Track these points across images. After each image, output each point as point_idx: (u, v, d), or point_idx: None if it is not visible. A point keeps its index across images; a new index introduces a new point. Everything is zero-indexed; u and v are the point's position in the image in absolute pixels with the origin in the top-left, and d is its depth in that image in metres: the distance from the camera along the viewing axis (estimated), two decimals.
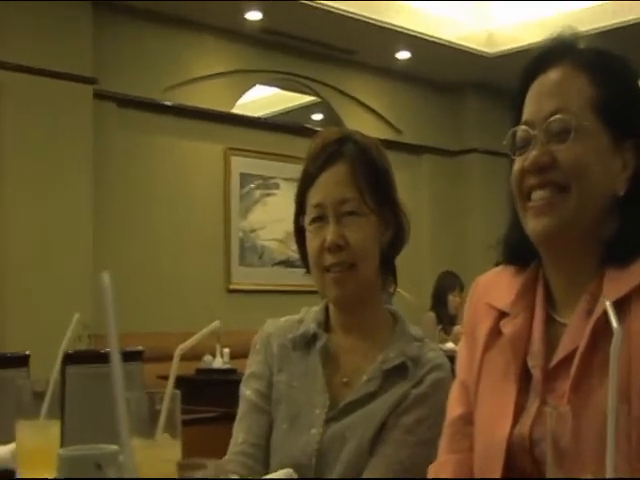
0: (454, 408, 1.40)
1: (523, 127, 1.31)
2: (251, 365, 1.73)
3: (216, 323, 1.15)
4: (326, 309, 1.73)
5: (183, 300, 6.85)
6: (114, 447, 1.06)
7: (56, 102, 6.08)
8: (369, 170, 1.65)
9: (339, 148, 1.66)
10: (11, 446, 1.81)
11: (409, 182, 7.93)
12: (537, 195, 1.28)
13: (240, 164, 7.48)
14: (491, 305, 1.37)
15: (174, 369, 1.10)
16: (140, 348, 4.68)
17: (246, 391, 1.71)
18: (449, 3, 7.61)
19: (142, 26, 6.83)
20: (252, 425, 1.67)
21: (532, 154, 1.28)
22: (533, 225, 1.28)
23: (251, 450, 1.65)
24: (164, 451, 1.09)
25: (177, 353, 1.13)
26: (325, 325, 1.71)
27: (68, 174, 6.13)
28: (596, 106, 1.27)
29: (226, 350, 5.76)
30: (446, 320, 6.82)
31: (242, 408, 1.71)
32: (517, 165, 1.31)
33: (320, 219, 1.65)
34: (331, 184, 1.64)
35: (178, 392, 1.11)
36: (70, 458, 1.04)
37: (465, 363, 1.40)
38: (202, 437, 2.81)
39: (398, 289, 1.73)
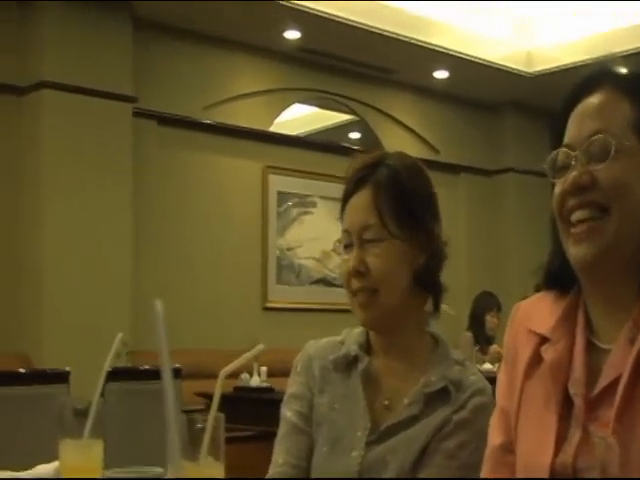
0: (494, 436, 1.39)
1: (564, 150, 1.31)
2: (292, 386, 1.73)
3: (260, 347, 1.15)
4: (367, 331, 1.73)
5: (220, 318, 6.87)
6: (158, 469, 1.07)
7: (97, 120, 6.15)
8: (394, 194, 1.64)
9: (369, 173, 1.66)
10: (55, 464, 1.82)
11: (446, 201, 7.82)
12: (577, 216, 1.26)
13: (278, 182, 7.50)
14: (532, 330, 1.36)
15: (218, 392, 1.10)
16: (178, 366, 4.70)
17: (287, 412, 1.70)
18: (488, 22, 7.60)
19: (182, 45, 6.90)
20: (292, 447, 1.67)
21: (572, 175, 1.27)
22: (575, 252, 1.27)
23: (292, 471, 1.64)
24: (208, 473, 1.10)
25: (221, 376, 1.13)
26: (366, 347, 1.71)
27: (108, 192, 6.18)
28: (637, 127, 1.26)
29: (263, 368, 5.77)
30: (483, 340, 6.79)
31: (282, 429, 1.70)
32: (557, 188, 1.31)
33: (349, 245, 1.67)
34: (356, 210, 1.65)
35: (222, 415, 1.11)
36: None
37: (505, 390, 1.39)
38: (239, 456, 2.81)
39: (443, 305, 1.72)
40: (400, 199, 1.64)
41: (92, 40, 6.16)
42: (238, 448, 3.32)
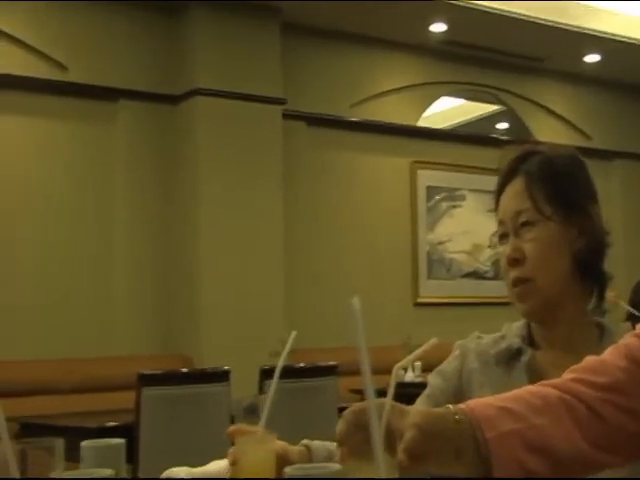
0: None
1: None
2: (445, 363, 1.72)
3: (434, 340, 1.14)
4: (528, 323, 1.71)
5: (371, 313, 6.87)
6: (336, 466, 1.09)
7: (248, 124, 6.28)
8: (546, 178, 1.62)
9: (521, 163, 1.65)
10: (226, 461, 1.88)
11: (600, 189, 7.64)
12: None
13: (426, 177, 7.47)
14: None
15: (392, 384, 1.11)
16: (334, 363, 4.74)
17: (431, 380, 1.70)
18: None
19: (327, 45, 6.97)
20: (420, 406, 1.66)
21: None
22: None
23: None
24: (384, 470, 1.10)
25: (395, 370, 1.13)
26: (528, 340, 1.69)
27: (260, 193, 6.31)
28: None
29: (417, 364, 5.76)
30: None
31: (423, 393, 1.70)
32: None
33: (504, 236, 1.65)
34: (509, 199, 1.64)
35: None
36: (296, 478, 1.07)
37: None
38: None
39: (619, 300, 1.68)
40: (552, 182, 1.62)
41: (241, 46, 6.29)
42: None
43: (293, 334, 1.42)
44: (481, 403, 1.13)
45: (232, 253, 6.14)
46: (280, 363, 1.46)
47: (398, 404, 1.11)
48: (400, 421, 1.08)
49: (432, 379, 1.71)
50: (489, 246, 1.74)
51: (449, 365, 1.70)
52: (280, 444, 1.46)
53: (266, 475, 1.37)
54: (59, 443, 1.15)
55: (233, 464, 1.39)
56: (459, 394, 1.66)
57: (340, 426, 1.12)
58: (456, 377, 1.68)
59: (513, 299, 1.64)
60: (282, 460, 1.39)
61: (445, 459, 1.08)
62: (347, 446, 1.11)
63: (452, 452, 1.08)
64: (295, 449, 1.54)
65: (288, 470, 1.10)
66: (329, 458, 1.48)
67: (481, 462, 1.07)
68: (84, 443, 1.46)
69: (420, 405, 1.66)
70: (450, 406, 1.13)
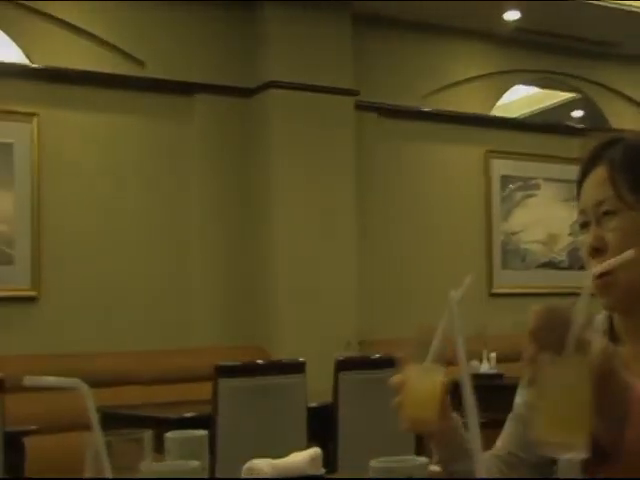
0: None
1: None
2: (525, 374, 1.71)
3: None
4: (610, 316, 1.68)
5: (446, 304, 6.85)
6: (422, 459, 1.10)
7: (320, 115, 6.30)
8: (630, 167, 1.59)
9: (604, 151, 1.62)
10: (309, 452, 1.90)
11: None
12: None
13: (500, 166, 7.40)
14: None
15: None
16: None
17: (517, 398, 1.69)
18: None
19: (399, 35, 6.93)
20: (510, 434, 1.66)
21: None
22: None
23: (506, 458, 1.64)
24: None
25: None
26: (610, 333, 1.66)
27: (333, 184, 6.32)
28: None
29: (492, 355, 5.72)
30: None
31: (511, 413, 1.70)
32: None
33: (585, 225, 1.62)
34: (591, 188, 1.61)
35: None
36: (382, 469, 1.08)
37: None
38: None
39: None
40: (636, 170, 1.59)
41: (313, 37, 6.30)
42: None
43: (469, 279, 1.40)
44: None
45: (306, 245, 6.17)
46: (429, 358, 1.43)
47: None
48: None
49: (517, 398, 1.69)
50: (570, 234, 1.72)
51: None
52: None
53: (430, 404, 1.37)
54: (148, 435, 1.18)
55: (398, 390, 1.40)
56: None
57: (535, 322, 1.16)
58: None
59: (596, 292, 1.62)
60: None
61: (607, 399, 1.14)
62: (539, 343, 1.15)
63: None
64: None
65: (372, 463, 1.11)
66: None
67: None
68: (169, 434, 1.50)
69: (508, 428, 1.67)
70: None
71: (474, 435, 1.03)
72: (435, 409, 1.38)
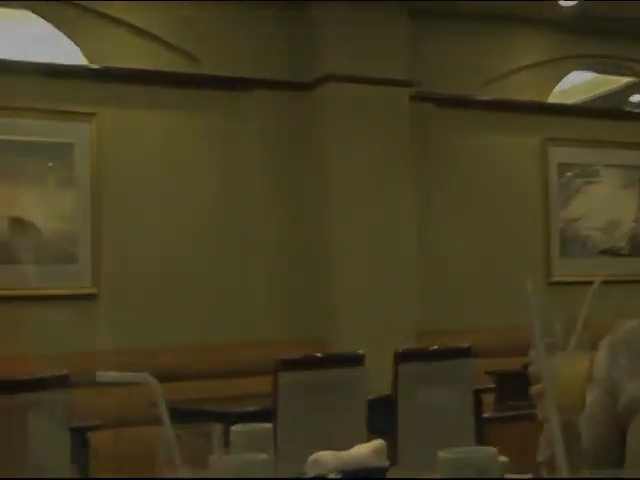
0: None
1: None
2: (594, 369, 1.66)
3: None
4: None
5: (504, 294, 6.81)
6: (492, 449, 1.09)
7: (377, 107, 6.27)
8: None
9: None
10: (373, 444, 1.91)
11: None
12: None
13: (558, 154, 7.31)
14: None
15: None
16: (467, 345, 4.70)
17: (587, 398, 1.65)
18: None
19: (455, 24, 6.86)
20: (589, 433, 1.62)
21: None
22: None
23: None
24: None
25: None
26: None
27: (391, 176, 6.29)
28: None
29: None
30: None
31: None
32: None
33: None
34: None
35: None
36: (451, 460, 1.07)
37: None
38: (524, 436, 2.71)
39: None
40: None
41: (369, 30, 6.26)
42: (522, 427, 3.22)
43: (597, 282, 1.36)
44: None
45: (366, 238, 6.16)
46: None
47: None
48: None
49: (588, 392, 1.64)
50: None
51: (599, 373, 1.65)
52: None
53: (574, 391, 1.34)
54: (218, 429, 1.20)
55: (537, 379, 1.36)
56: (615, 391, 1.62)
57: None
58: (609, 379, 1.63)
59: None
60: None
61: None
62: None
63: None
64: None
65: (441, 454, 1.10)
66: None
67: None
68: (234, 428, 1.51)
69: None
70: None
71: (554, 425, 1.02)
72: (580, 396, 1.36)
